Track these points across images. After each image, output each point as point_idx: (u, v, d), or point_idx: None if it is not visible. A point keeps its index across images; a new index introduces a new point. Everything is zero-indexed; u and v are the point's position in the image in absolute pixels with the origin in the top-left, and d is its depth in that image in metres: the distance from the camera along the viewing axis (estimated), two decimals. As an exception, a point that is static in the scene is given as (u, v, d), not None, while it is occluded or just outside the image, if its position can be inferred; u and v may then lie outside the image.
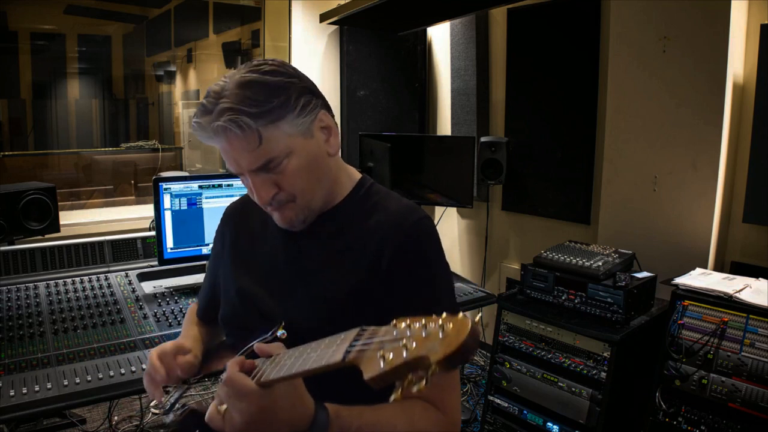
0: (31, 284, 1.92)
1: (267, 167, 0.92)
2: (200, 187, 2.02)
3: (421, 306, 0.89)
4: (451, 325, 0.56)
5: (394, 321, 0.63)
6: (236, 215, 1.19)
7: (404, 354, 0.56)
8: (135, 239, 2.27)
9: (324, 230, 1.03)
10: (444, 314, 0.59)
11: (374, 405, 0.86)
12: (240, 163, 0.92)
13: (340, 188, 1.05)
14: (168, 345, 1.03)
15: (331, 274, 0.99)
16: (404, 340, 0.57)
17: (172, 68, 7.08)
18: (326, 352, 0.67)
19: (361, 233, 1.00)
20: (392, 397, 0.57)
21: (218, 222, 1.25)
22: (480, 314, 0.58)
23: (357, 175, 1.09)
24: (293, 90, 0.92)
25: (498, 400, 2.17)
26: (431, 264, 0.99)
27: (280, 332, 0.91)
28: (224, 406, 0.78)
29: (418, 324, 0.59)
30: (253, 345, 0.93)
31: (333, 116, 1.01)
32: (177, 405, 1.02)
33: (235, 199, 1.25)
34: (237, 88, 0.88)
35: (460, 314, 0.59)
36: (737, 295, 1.70)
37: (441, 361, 0.54)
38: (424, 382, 0.55)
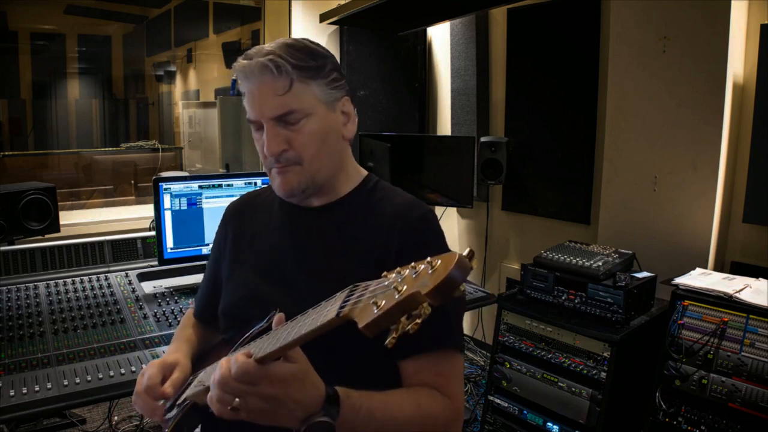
0: (31, 284, 1.92)
1: (286, 119, 0.96)
2: (200, 187, 2.02)
3: None
4: (439, 261, 0.57)
5: (384, 272, 0.63)
6: (238, 213, 1.19)
7: (396, 296, 0.56)
8: (135, 239, 2.26)
9: (329, 223, 1.04)
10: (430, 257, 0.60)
11: (382, 390, 0.87)
12: (263, 107, 0.96)
13: (347, 179, 1.07)
14: (153, 375, 1.00)
15: (336, 267, 1.00)
16: (395, 285, 0.58)
17: (172, 68, 7.09)
18: (320, 314, 0.67)
19: (367, 227, 1.01)
20: (387, 341, 0.58)
21: (218, 222, 1.25)
22: (469, 248, 0.59)
23: (364, 171, 1.11)
24: (329, 62, 1.01)
25: (498, 400, 2.17)
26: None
27: (276, 318, 0.91)
28: (236, 401, 0.76)
29: (407, 270, 0.60)
30: (250, 335, 0.93)
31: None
32: (178, 402, 1.02)
33: (234, 198, 1.26)
34: (282, 45, 0.97)
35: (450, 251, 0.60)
36: (737, 295, 1.70)
37: (431, 293, 0.55)
38: (418, 320, 0.56)
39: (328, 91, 0.99)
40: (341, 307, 0.63)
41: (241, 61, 0.96)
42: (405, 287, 0.57)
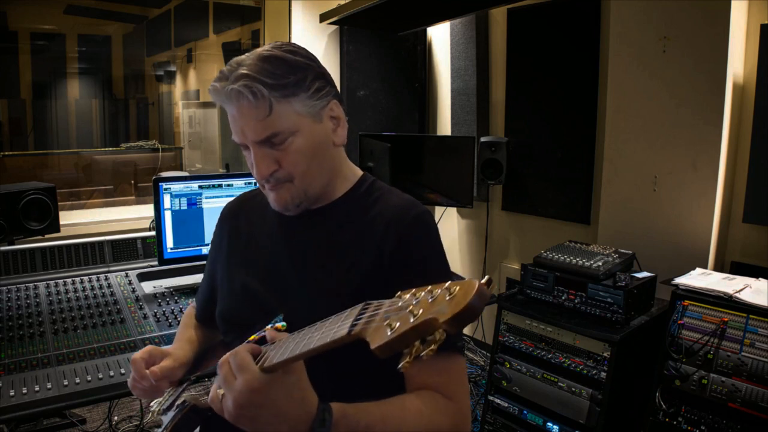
0: (31, 284, 1.92)
1: (271, 141, 0.93)
2: (200, 187, 2.02)
3: None
4: (457, 288, 0.56)
5: (399, 293, 0.62)
6: (234, 214, 1.19)
7: (411, 320, 0.55)
8: (135, 239, 2.27)
9: (325, 224, 1.03)
10: (449, 281, 0.58)
11: (381, 400, 0.85)
12: (246, 132, 0.93)
13: (342, 182, 1.06)
14: (138, 352, 1.04)
15: (333, 269, 0.99)
16: (411, 308, 0.56)
17: (172, 68, 7.08)
18: (331, 329, 0.66)
19: (363, 228, 1.00)
20: (400, 365, 0.56)
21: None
22: (488, 276, 0.57)
23: (359, 171, 1.10)
24: (310, 72, 0.95)
25: (498, 400, 2.17)
26: (432, 257, 0.99)
27: (280, 324, 0.91)
28: (222, 390, 0.75)
29: (423, 292, 0.58)
30: (252, 339, 0.93)
31: (344, 109, 1.03)
32: (177, 403, 1.02)
33: (232, 198, 1.25)
34: (257, 61, 0.92)
35: (466, 278, 0.58)
36: (737, 295, 1.70)
37: (449, 321, 0.53)
38: (433, 346, 0.54)
39: (311, 103, 0.95)
40: (353, 325, 0.62)
41: (215, 84, 0.92)
42: (421, 311, 0.55)
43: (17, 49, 5.94)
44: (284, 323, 0.92)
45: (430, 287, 0.59)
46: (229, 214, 1.20)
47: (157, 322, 1.80)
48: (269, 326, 0.92)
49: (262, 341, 0.92)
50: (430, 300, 0.56)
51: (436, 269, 0.99)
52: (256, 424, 0.74)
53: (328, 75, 1.00)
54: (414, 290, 0.60)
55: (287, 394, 0.74)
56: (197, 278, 2.04)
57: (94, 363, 1.55)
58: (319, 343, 0.66)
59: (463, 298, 0.54)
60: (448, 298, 0.55)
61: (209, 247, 1.26)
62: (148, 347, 1.06)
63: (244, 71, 0.90)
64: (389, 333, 0.56)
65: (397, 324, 0.56)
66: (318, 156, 0.98)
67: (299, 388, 0.75)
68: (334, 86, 1.01)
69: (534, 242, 3.12)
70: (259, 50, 0.94)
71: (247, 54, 0.94)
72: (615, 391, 1.87)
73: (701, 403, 1.70)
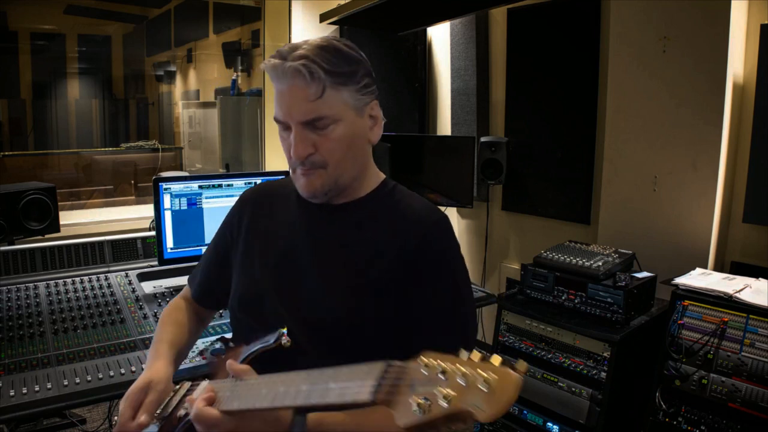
0: (31, 284, 1.92)
1: (314, 124, 0.95)
2: (200, 187, 2.02)
3: (442, 303, 0.93)
4: (495, 377, 0.53)
5: (421, 357, 0.59)
6: (254, 202, 1.19)
7: (444, 404, 0.53)
8: (135, 239, 2.26)
9: (347, 221, 1.05)
10: (478, 356, 0.56)
11: (362, 409, 0.84)
12: (292, 111, 0.95)
13: (368, 181, 1.08)
14: (123, 412, 1.00)
15: (349, 265, 1.00)
16: (441, 387, 0.54)
17: (172, 68, 7.08)
18: (350, 386, 0.64)
19: (384, 228, 1.02)
20: None
21: (218, 222, 1.24)
22: (521, 361, 0.55)
23: (382, 175, 1.13)
24: (362, 67, 1.01)
25: (498, 400, 2.16)
26: (452, 261, 1.01)
27: (284, 340, 0.90)
28: None
29: (448, 364, 0.56)
30: (255, 351, 0.92)
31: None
32: (178, 414, 1.01)
33: (234, 199, 1.25)
34: (315, 47, 0.95)
35: (497, 359, 0.55)
36: (737, 295, 1.70)
37: (487, 419, 0.52)
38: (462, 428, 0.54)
39: (358, 96, 0.98)
40: (375, 390, 0.60)
41: (273, 60, 0.95)
42: (453, 395, 0.53)
43: (17, 49, 5.93)
44: (288, 339, 0.90)
45: (457, 362, 0.56)
46: (249, 200, 1.20)
47: (157, 322, 1.79)
48: (273, 341, 0.91)
49: (263, 355, 0.91)
50: (462, 383, 0.54)
51: (454, 278, 1.01)
52: None
53: (374, 76, 1.04)
54: (439, 360, 0.57)
55: (262, 420, 0.80)
56: (197, 278, 2.04)
57: (94, 363, 1.55)
58: (337, 400, 0.65)
59: (503, 396, 0.52)
60: (484, 389, 0.52)
61: (220, 228, 1.24)
62: (127, 399, 1.02)
63: (304, 53, 0.93)
64: (419, 414, 0.54)
65: (423, 401, 0.54)
66: (353, 148, 1.00)
67: (265, 412, 0.81)
68: (377, 88, 1.04)
69: (534, 242, 3.12)
70: (313, 40, 0.98)
71: (300, 41, 0.98)
72: (615, 391, 1.87)
73: (701, 403, 1.70)
